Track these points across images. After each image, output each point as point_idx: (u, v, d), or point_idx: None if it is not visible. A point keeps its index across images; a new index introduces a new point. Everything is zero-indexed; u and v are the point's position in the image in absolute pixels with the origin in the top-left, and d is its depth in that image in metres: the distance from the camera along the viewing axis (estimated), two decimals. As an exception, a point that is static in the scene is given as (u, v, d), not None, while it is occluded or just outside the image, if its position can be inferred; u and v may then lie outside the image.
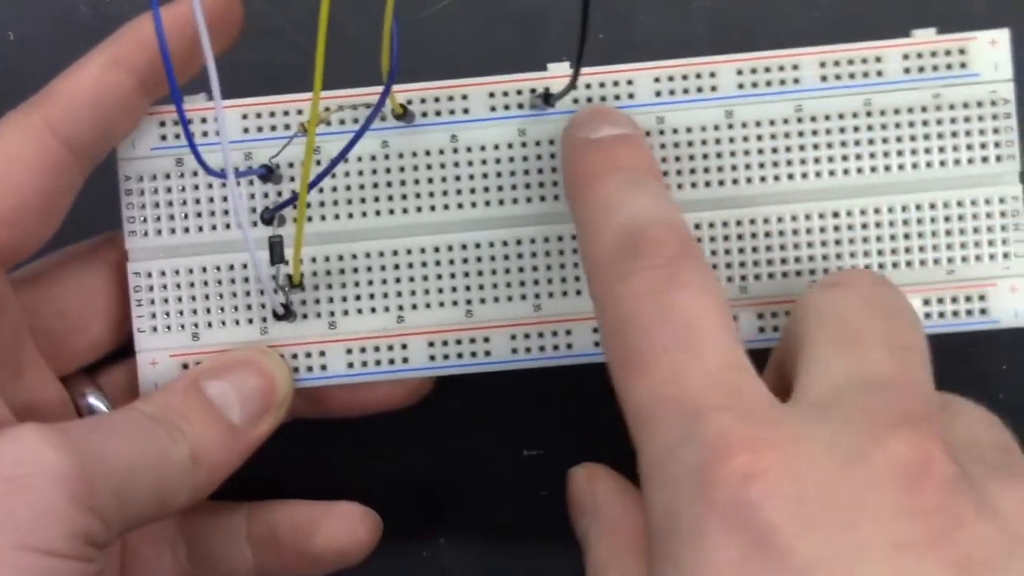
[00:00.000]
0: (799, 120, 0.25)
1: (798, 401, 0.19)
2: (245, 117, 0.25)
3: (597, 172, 0.22)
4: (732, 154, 0.25)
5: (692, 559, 0.17)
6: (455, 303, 0.25)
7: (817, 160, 0.24)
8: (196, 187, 0.24)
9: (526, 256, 0.25)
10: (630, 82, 0.25)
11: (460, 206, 0.25)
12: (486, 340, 0.25)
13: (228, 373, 0.24)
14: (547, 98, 0.24)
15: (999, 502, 0.18)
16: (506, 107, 0.25)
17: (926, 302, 0.25)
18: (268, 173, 0.24)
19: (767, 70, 0.25)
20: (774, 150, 0.25)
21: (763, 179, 0.25)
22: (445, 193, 0.25)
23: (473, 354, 0.25)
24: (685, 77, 0.25)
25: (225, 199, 0.24)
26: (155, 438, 0.22)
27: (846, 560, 0.17)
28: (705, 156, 0.25)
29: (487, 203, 0.25)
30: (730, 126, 0.25)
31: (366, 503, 0.26)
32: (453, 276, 0.25)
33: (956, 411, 0.21)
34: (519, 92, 0.25)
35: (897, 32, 0.30)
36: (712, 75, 0.25)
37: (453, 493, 0.29)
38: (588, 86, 0.25)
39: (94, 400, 0.25)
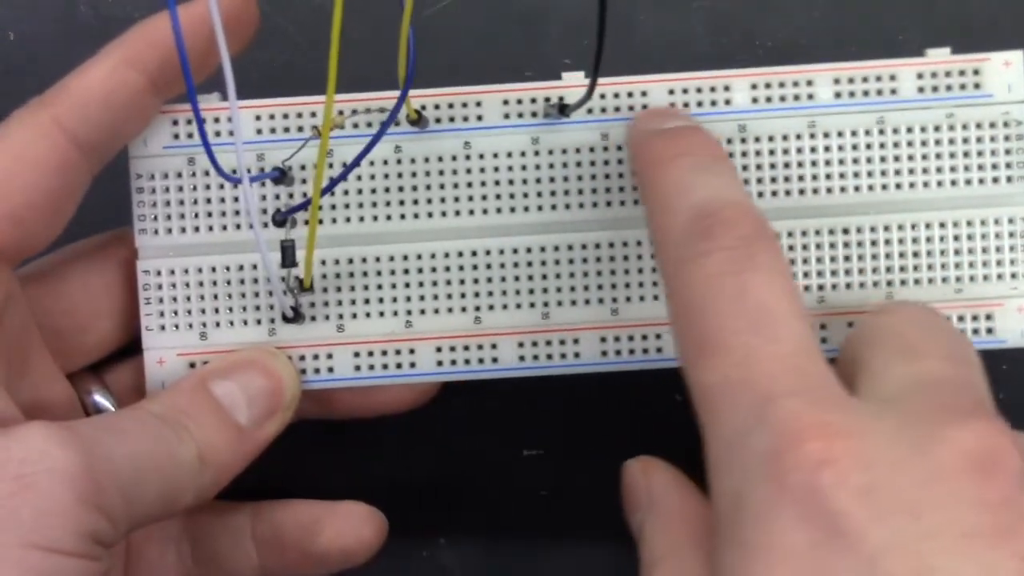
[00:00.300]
0: (812, 136, 0.25)
1: (863, 397, 0.19)
2: (259, 119, 0.25)
3: (669, 156, 0.22)
4: (745, 168, 0.25)
5: (760, 543, 0.17)
6: (464, 309, 0.25)
7: (829, 176, 0.25)
8: (208, 187, 0.24)
9: (535, 264, 0.25)
10: (644, 93, 0.25)
11: (471, 212, 0.25)
12: (494, 347, 0.25)
13: (235, 374, 0.24)
14: (562, 108, 0.24)
15: None
16: (520, 115, 0.25)
17: None
18: (281, 175, 0.24)
19: (781, 85, 0.25)
20: (787, 165, 0.25)
21: (775, 194, 0.25)
22: (457, 199, 0.25)
23: (480, 360, 0.25)
24: (699, 90, 0.25)
25: (237, 200, 0.24)
26: (162, 438, 0.22)
27: (916, 547, 0.17)
28: None
29: (499, 210, 0.25)
30: (743, 140, 0.25)
31: (366, 503, 0.26)
32: (463, 282, 0.25)
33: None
34: (533, 100, 0.25)
35: (896, 32, 0.30)
36: (727, 88, 0.25)
37: (453, 493, 0.29)
38: (603, 96, 0.25)
39: (100, 398, 0.25)
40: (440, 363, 0.25)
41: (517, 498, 0.29)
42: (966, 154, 0.25)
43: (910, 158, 0.25)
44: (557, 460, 0.29)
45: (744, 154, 0.25)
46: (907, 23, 0.30)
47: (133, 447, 0.21)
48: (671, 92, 0.25)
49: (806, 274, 0.25)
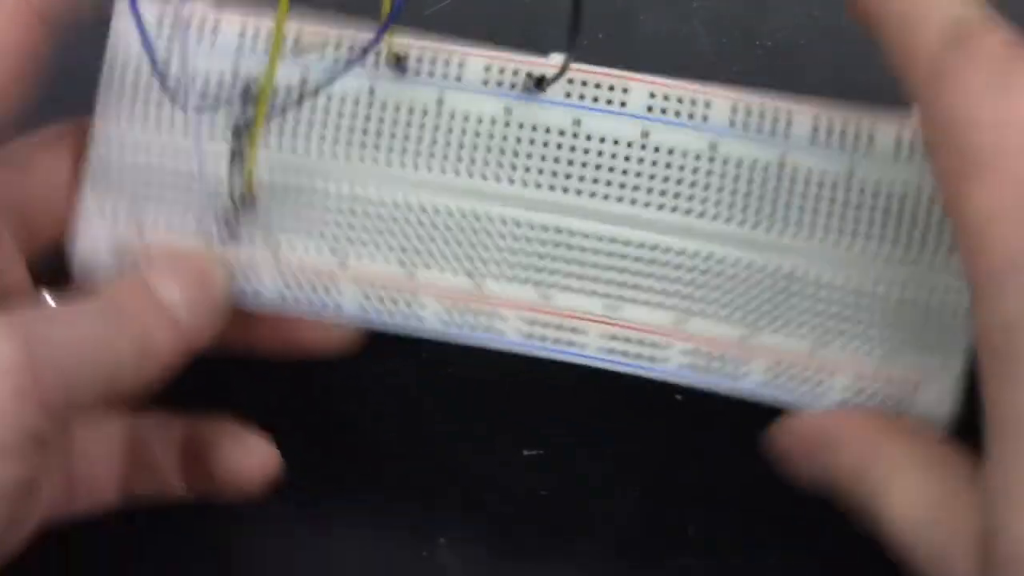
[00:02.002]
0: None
1: None
2: (242, 35, 0.25)
3: None
4: (707, 187, 0.25)
5: None
6: (401, 263, 0.25)
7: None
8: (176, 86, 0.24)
9: (470, 231, 0.24)
10: (625, 90, 0.25)
11: (429, 169, 0.25)
12: (422, 305, 0.25)
13: (173, 271, 0.24)
14: (539, 82, 0.24)
15: None
16: (499, 83, 0.25)
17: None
18: (245, 92, 0.24)
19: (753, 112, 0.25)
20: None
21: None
22: (419, 153, 0.25)
23: (405, 313, 0.25)
24: (680, 100, 0.25)
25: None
26: (103, 330, 0.22)
27: None
28: (680, 181, 0.25)
29: (456, 172, 0.25)
30: (711, 159, 0.24)
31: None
32: (405, 236, 0.25)
33: None
34: (515, 72, 0.25)
35: (897, 32, 0.30)
36: (707, 105, 0.25)
37: (453, 493, 0.29)
38: (584, 83, 0.25)
39: (47, 296, 0.25)
40: (365, 309, 0.25)
41: (517, 498, 0.29)
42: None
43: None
44: (557, 460, 0.29)
45: (710, 173, 0.25)
46: (907, 23, 0.30)
47: (74, 338, 0.21)
48: (651, 95, 0.25)
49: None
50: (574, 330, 0.24)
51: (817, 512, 0.29)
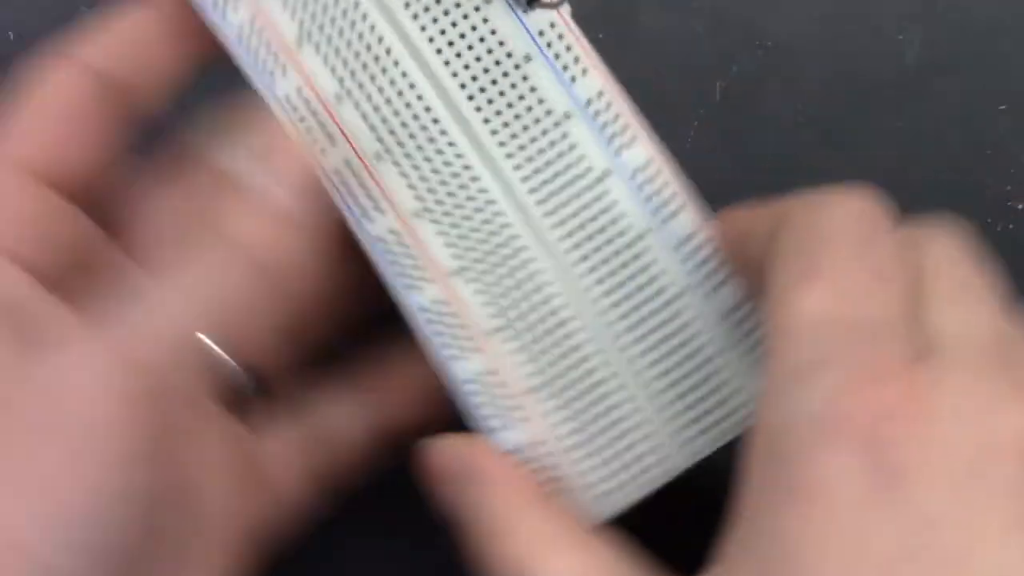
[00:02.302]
0: None
1: (935, 351, 0.19)
2: None
3: None
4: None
5: (809, 479, 0.17)
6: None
7: None
8: None
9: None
10: (584, 71, 0.24)
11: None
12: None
13: (255, 167, 0.22)
14: (531, 1, 0.24)
15: None
16: None
17: None
18: None
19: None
20: None
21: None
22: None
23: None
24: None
25: None
26: (221, 282, 0.21)
27: (969, 522, 0.16)
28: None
29: None
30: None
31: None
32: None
33: None
34: None
35: (896, 32, 0.30)
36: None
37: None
38: (561, 37, 0.24)
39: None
40: None
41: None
42: None
43: None
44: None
45: None
46: (907, 23, 0.30)
47: (192, 311, 0.21)
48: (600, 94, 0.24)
49: None
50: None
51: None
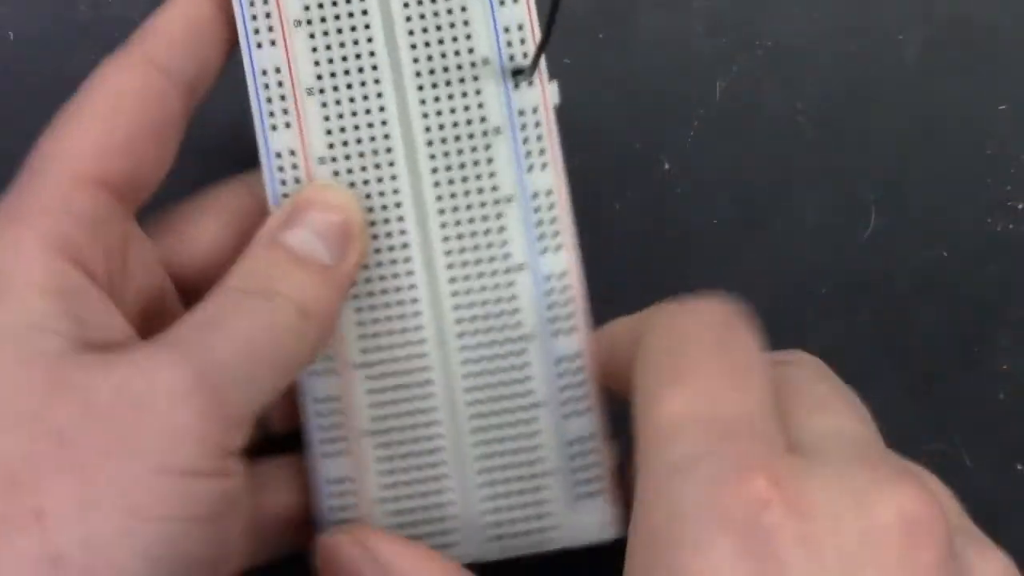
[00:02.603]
0: None
1: (801, 447, 0.20)
2: None
3: None
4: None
5: (694, 569, 0.17)
6: None
7: None
8: None
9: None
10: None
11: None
12: None
13: (299, 218, 0.23)
14: (515, 74, 0.24)
15: (978, 570, 0.19)
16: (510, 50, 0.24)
17: None
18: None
19: None
20: None
21: None
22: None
23: None
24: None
25: None
26: (259, 311, 0.21)
27: None
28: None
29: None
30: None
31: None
32: None
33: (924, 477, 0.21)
34: (511, 58, 0.24)
35: (896, 32, 0.30)
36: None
37: None
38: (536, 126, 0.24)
39: None
40: None
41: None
42: None
43: None
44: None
45: None
46: (907, 23, 0.30)
47: (236, 337, 0.21)
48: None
49: None
50: None
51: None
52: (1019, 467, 0.29)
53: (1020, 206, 0.29)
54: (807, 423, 0.20)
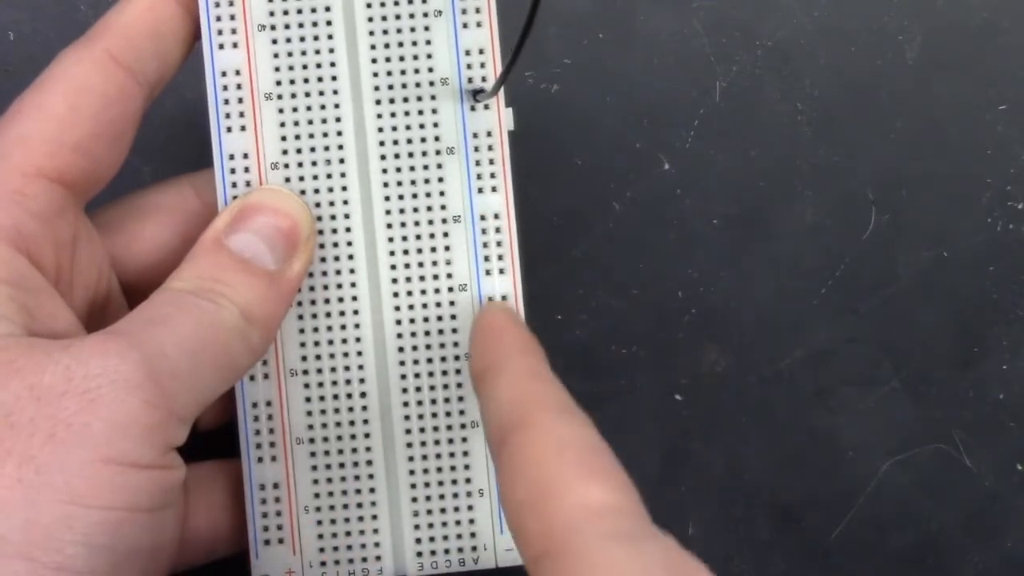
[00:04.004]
0: None
1: None
2: None
3: (496, 366, 0.22)
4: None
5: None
6: None
7: None
8: None
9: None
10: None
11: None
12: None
13: (246, 222, 0.23)
14: (475, 94, 0.24)
15: None
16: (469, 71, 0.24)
17: None
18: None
19: None
20: None
21: None
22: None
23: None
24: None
25: None
26: (203, 312, 0.21)
27: None
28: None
29: None
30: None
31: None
32: None
33: None
34: (470, 80, 0.24)
35: (896, 32, 0.30)
36: None
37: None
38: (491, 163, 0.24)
39: None
40: None
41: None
42: None
43: None
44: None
45: None
46: (907, 23, 0.30)
47: (182, 333, 0.21)
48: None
49: None
50: None
51: (822, 514, 0.29)
52: (1019, 467, 0.29)
53: (1020, 206, 0.29)
54: None
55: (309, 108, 0.24)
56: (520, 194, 0.25)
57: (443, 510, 0.24)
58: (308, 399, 0.24)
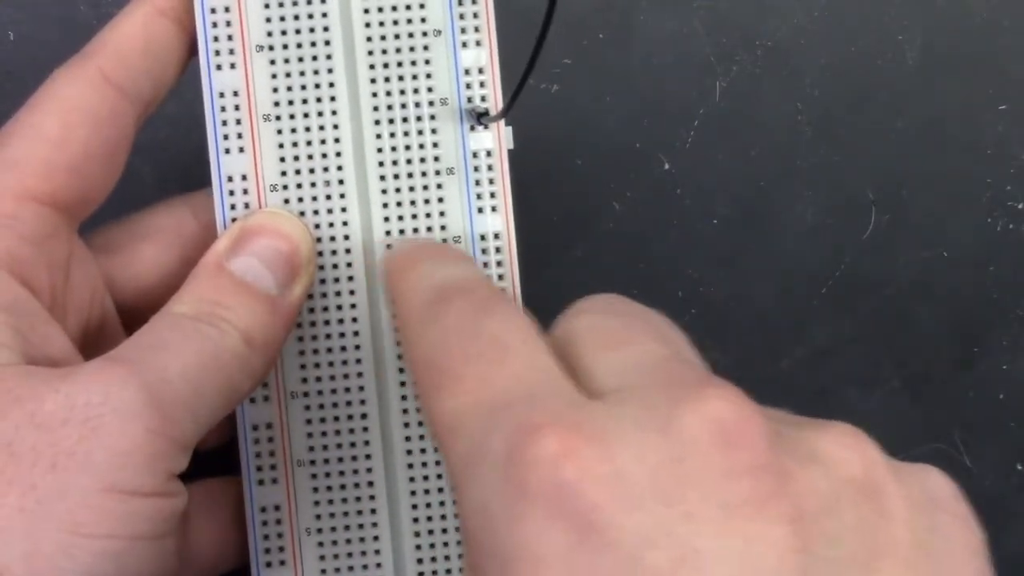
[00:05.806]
0: None
1: (589, 394, 0.19)
2: None
3: (411, 262, 0.22)
4: None
5: (515, 551, 0.16)
6: None
7: None
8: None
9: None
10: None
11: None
12: None
13: (247, 245, 0.23)
14: (480, 116, 0.24)
15: (815, 447, 0.17)
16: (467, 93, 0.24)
17: None
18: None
19: None
20: None
21: None
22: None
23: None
24: None
25: None
26: (205, 337, 0.21)
27: (675, 532, 0.16)
28: None
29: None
30: None
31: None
32: None
33: None
34: (469, 100, 0.24)
35: (896, 32, 0.30)
36: None
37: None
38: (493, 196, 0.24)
39: None
40: None
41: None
42: None
43: None
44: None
45: None
46: (907, 23, 0.30)
47: (183, 360, 0.21)
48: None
49: None
50: None
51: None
52: (1019, 467, 0.29)
53: (1020, 206, 0.29)
54: (599, 364, 0.19)
55: (308, 129, 0.24)
56: (520, 194, 0.25)
57: (444, 530, 0.24)
58: (309, 421, 0.24)
